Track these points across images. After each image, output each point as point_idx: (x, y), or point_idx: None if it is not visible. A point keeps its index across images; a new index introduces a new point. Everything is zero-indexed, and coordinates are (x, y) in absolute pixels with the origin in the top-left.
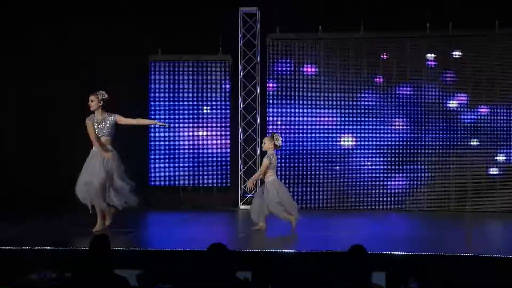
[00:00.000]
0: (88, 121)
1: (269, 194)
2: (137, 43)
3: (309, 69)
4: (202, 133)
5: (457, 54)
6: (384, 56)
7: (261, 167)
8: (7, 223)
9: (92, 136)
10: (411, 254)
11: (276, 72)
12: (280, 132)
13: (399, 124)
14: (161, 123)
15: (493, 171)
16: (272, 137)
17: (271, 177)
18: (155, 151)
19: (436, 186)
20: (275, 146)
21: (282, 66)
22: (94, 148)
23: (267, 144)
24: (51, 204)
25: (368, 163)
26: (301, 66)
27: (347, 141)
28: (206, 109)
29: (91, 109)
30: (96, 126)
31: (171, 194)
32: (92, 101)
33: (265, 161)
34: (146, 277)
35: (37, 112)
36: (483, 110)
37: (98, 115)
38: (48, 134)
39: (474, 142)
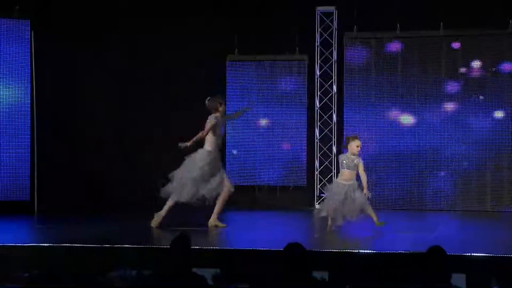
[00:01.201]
0: (214, 119)
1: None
2: (215, 43)
3: (387, 68)
4: (279, 132)
5: None
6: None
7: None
8: (87, 222)
9: (206, 131)
10: (493, 256)
11: (353, 71)
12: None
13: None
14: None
15: None
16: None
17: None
18: (231, 150)
19: None
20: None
21: (360, 65)
22: (209, 148)
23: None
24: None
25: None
26: (378, 65)
27: (424, 140)
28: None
29: (222, 112)
30: (220, 128)
31: (247, 194)
32: (224, 104)
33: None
34: (223, 276)
35: (116, 111)
36: None
37: (221, 118)
38: (124, 134)
39: None
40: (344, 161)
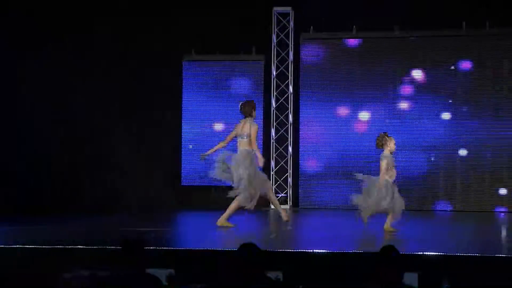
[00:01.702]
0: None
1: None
2: (171, 44)
3: (343, 68)
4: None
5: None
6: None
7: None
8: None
9: (254, 139)
10: (445, 255)
11: (309, 71)
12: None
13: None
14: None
15: None
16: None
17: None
18: (188, 151)
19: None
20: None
21: (315, 66)
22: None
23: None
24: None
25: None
26: (335, 65)
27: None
28: None
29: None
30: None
31: (203, 194)
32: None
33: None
34: (177, 276)
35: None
36: None
37: None
38: (82, 134)
39: None
40: (392, 160)
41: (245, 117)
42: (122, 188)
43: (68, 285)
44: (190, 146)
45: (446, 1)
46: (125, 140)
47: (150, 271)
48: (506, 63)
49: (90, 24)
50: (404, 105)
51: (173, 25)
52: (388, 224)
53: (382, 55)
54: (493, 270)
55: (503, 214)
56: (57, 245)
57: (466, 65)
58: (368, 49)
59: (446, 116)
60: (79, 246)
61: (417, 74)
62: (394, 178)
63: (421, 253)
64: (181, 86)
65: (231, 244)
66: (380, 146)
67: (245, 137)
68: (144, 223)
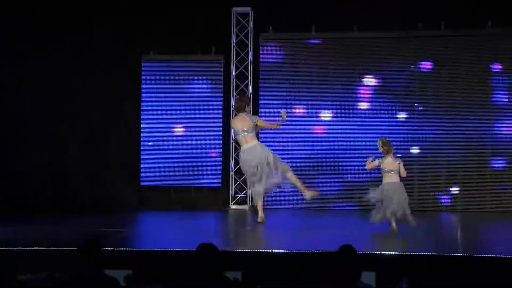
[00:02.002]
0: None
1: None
2: (130, 43)
3: (302, 69)
4: (194, 133)
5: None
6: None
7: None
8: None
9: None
10: (402, 254)
11: (269, 71)
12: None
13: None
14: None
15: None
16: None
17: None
18: (147, 151)
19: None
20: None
21: (275, 66)
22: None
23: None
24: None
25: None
26: (294, 65)
27: (341, 139)
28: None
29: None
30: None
31: (162, 194)
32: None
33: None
34: (135, 277)
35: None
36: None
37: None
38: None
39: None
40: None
41: (239, 113)
42: (80, 189)
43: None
44: (150, 143)
45: (404, 2)
46: (84, 140)
47: (108, 272)
48: (462, 63)
49: (47, 24)
50: (363, 104)
51: (133, 24)
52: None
53: (342, 55)
54: (449, 269)
55: (458, 212)
56: (14, 247)
57: (424, 65)
58: (327, 49)
59: (402, 116)
60: (36, 248)
61: (376, 74)
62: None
63: (378, 252)
64: (140, 86)
65: (190, 244)
66: (387, 152)
67: (250, 132)
68: (102, 224)
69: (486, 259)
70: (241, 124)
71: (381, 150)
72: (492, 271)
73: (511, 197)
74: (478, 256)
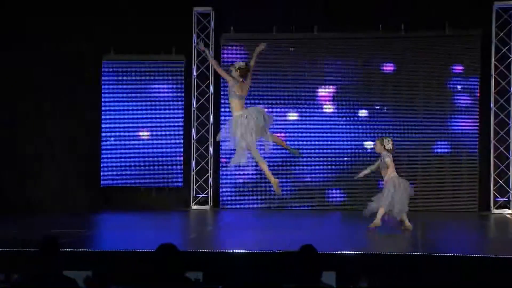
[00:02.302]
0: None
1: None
2: (91, 42)
3: (263, 69)
4: (155, 133)
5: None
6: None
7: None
8: None
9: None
10: (362, 254)
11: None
12: None
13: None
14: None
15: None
16: (382, 141)
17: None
18: (108, 152)
19: None
20: (386, 149)
21: None
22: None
23: (378, 147)
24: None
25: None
26: (255, 66)
27: (302, 140)
28: None
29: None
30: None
31: (123, 195)
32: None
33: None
34: (95, 278)
35: None
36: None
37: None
38: None
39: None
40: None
41: (244, 78)
42: (39, 189)
43: None
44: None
45: (364, 4)
46: (44, 140)
47: (67, 273)
48: (422, 64)
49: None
50: (327, 105)
51: (94, 24)
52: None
53: (303, 56)
54: (410, 269)
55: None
56: None
57: (384, 66)
58: (288, 50)
59: (363, 115)
60: None
61: (337, 74)
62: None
63: (339, 252)
64: (101, 85)
65: (150, 245)
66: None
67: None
68: (61, 225)
69: (445, 258)
70: (243, 90)
71: (390, 147)
72: (450, 270)
73: (468, 197)
74: (436, 255)
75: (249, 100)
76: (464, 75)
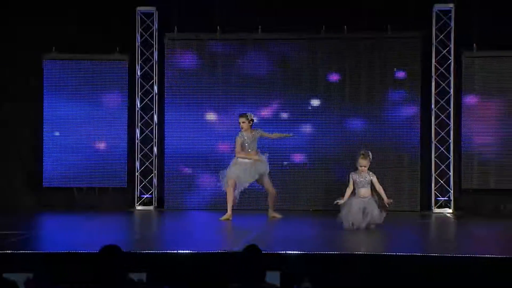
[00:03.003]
0: (238, 139)
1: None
2: (32, 41)
3: (208, 69)
4: (99, 133)
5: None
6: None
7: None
8: None
9: (238, 149)
10: (305, 253)
11: (174, 72)
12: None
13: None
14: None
15: None
16: (368, 155)
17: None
18: (50, 152)
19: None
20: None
21: (180, 66)
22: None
23: (366, 163)
24: None
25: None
26: (199, 66)
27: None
28: None
29: (243, 129)
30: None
31: (65, 195)
32: (243, 122)
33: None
34: (36, 281)
35: None
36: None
37: (248, 133)
38: None
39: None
40: (356, 180)
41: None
42: None
43: None
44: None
45: (308, 5)
46: None
47: (7, 275)
48: (364, 66)
49: None
50: (267, 106)
51: (34, 22)
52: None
53: (247, 56)
54: (353, 269)
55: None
56: None
57: (328, 68)
58: (232, 50)
59: (307, 119)
60: None
61: (281, 75)
62: (365, 196)
63: (283, 252)
64: (43, 85)
65: (94, 246)
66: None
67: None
68: (2, 227)
69: (388, 258)
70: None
71: (368, 162)
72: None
73: (410, 197)
74: (378, 254)
75: (195, 101)
76: (405, 76)
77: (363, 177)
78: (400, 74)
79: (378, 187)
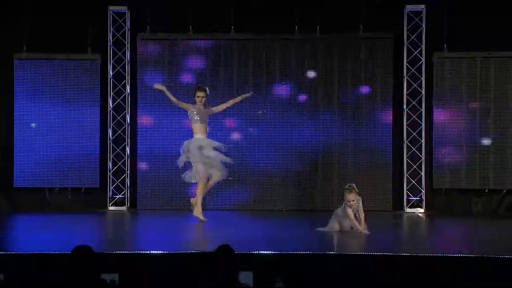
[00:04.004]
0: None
1: None
2: (2, 40)
3: (180, 69)
4: (71, 133)
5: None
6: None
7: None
8: None
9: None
10: (278, 253)
11: (146, 72)
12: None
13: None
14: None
15: None
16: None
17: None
18: (21, 152)
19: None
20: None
21: (152, 66)
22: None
23: (353, 196)
24: None
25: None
26: (171, 66)
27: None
28: None
29: (199, 104)
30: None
31: (37, 196)
32: (203, 97)
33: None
34: (7, 282)
35: None
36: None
37: (201, 109)
38: None
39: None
40: (340, 214)
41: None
42: None
43: None
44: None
45: (281, 5)
46: None
47: None
48: (336, 66)
49: None
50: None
51: (4, 21)
52: None
53: (220, 56)
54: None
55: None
56: None
57: (301, 68)
58: (205, 50)
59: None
60: None
61: (253, 75)
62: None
63: (256, 252)
64: (13, 85)
65: (66, 247)
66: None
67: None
68: None
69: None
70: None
71: (355, 195)
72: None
73: (382, 196)
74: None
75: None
76: (377, 77)
77: (353, 209)
78: (372, 74)
79: (362, 211)
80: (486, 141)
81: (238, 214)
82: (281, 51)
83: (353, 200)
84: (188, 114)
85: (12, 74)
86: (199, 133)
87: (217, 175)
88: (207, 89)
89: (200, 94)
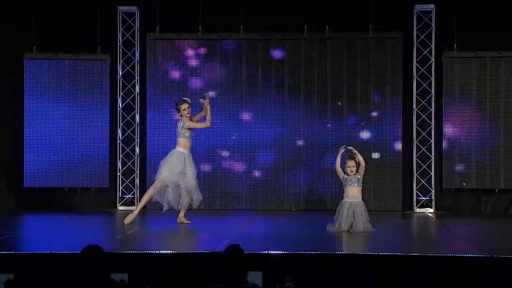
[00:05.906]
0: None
1: None
2: (12, 40)
3: (189, 69)
4: (80, 133)
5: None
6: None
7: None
8: None
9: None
10: (287, 253)
11: (156, 72)
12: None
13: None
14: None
15: None
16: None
17: None
18: (31, 151)
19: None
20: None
21: (162, 66)
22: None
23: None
24: None
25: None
26: (181, 66)
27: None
28: None
29: (185, 117)
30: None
31: (47, 196)
32: (188, 108)
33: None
34: (17, 282)
35: None
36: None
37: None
38: None
39: None
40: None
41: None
42: None
43: None
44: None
45: (290, 5)
46: None
47: None
48: (346, 66)
49: None
50: (249, 106)
51: (15, 21)
52: None
53: (229, 56)
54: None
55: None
56: None
57: (310, 67)
58: (214, 50)
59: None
60: None
61: (263, 75)
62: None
63: (265, 251)
64: (23, 85)
65: (75, 247)
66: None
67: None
68: None
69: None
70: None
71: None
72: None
73: (392, 196)
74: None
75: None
76: (387, 77)
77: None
78: (382, 74)
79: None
80: (496, 141)
81: (247, 214)
82: (290, 51)
83: (353, 166)
84: (177, 130)
85: (22, 74)
86: (187, 148)
87: (191, 197)
88: (188, 100)
89: (185, 106)
